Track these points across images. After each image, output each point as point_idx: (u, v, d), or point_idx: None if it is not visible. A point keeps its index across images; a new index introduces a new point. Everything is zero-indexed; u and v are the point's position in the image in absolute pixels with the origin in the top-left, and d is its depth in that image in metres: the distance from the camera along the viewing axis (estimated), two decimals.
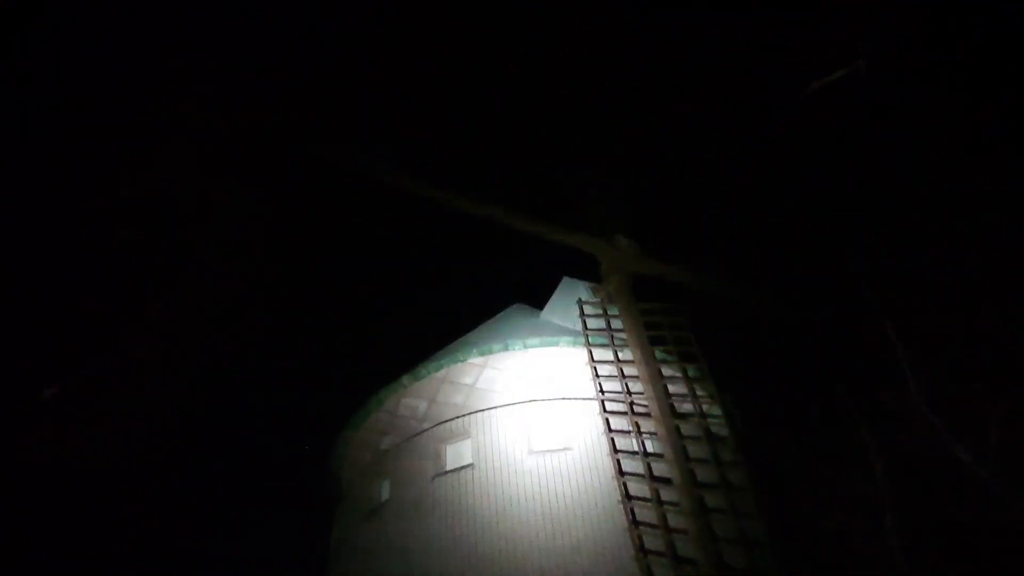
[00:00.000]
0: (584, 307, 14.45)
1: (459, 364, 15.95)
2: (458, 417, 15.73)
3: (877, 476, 6.28)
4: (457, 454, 15.19)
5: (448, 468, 14.97)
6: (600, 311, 14.31)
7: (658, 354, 13.35)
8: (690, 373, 13.10)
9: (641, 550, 10.69)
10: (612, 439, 12.13)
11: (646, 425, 12.19)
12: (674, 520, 10.93)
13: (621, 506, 11.29)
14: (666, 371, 13.06)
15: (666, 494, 11.28)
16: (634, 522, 11.07)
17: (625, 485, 11.43)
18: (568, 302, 16.03)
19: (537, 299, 18.36)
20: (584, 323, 14.11)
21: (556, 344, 15.69)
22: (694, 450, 11.82)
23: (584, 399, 14.92)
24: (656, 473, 11.57)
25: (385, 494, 15.69)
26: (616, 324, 13.98)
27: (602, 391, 12.86)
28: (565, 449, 14.38)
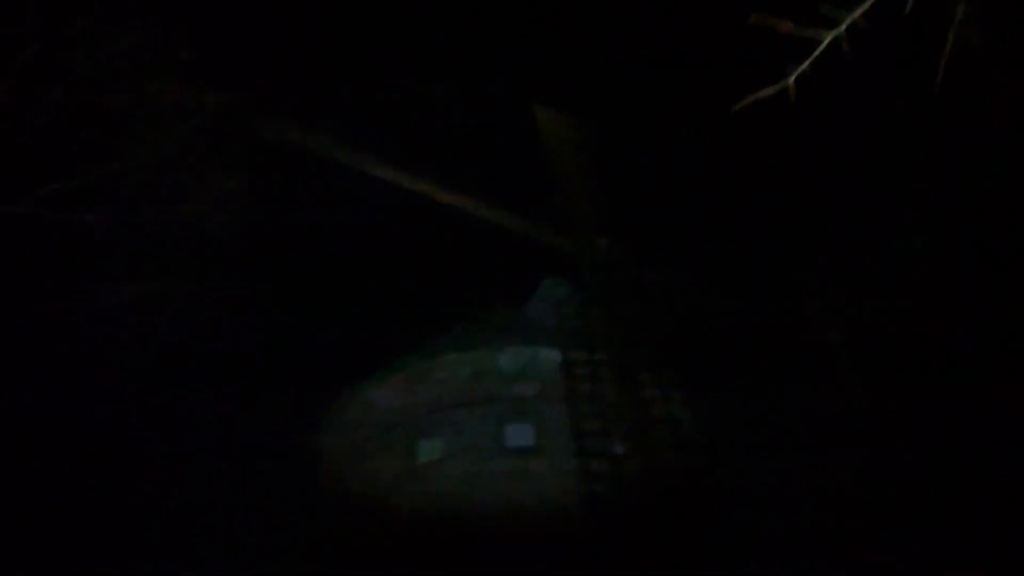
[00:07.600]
0: (563, 308, 14.43)
1: (437, 359, 15.89)
2: (432, 412, 15.69)
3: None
4: (430, 449, 15.16)
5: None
6: (579, 312, 14.28)
7: (634, 357, 13.33)
8: (663, 375, 13.12)
9: None
10: (581, 441, 12.12)
11: (616, 427, 12.19)
12: None
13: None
14: (641, 374, 13.04)
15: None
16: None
17: (590, 485, 11.45)
18: (548, 303, 15.98)
19: (518, 299, 18.31)
20: (562, 324, 14.09)
21: (534, 343, 15.65)
22: (663, 456, 11.84)
23: (558, 399, 14.90)
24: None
25: None
26: (594, 326, 13.95)
27: (576, 392, 12.84)
28: (537, 450, 14.36)
